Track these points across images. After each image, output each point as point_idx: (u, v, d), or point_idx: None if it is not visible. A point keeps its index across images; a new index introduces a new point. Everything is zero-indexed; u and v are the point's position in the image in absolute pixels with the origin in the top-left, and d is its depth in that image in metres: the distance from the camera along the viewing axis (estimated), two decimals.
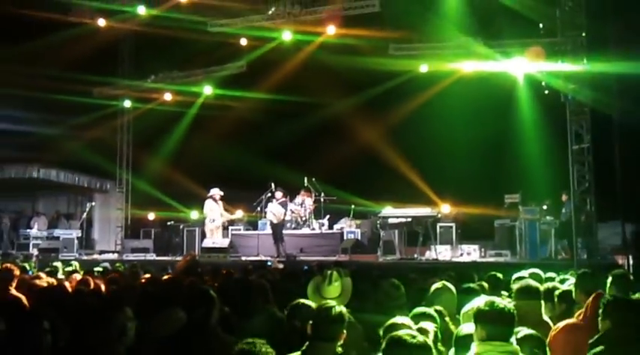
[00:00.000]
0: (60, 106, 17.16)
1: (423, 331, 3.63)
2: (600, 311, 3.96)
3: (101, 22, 17.14)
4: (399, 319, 3.99)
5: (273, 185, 16.63)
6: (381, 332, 3.73)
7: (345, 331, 3.69)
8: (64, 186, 20.56)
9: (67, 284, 6.58)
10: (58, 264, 9.32)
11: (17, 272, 6.76)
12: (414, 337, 2.99)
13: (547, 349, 3.83)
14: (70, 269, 8.78)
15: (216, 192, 15.91)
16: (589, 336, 3.87)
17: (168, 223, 18.38)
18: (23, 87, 16.22)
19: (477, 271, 8.09)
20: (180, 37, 16.52)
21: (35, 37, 15.65)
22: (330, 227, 17.00)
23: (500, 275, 6.84)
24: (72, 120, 18.05)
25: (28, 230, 17.86)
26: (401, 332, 3.08)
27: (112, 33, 17.71)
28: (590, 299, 4.42)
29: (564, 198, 14.24)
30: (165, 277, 7.49)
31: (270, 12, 16.19)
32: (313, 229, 16.84)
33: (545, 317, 4.68)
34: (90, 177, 20.57)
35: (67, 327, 3.80)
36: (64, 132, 18.18)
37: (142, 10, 16.66)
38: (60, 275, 8.05)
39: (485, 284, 6.22)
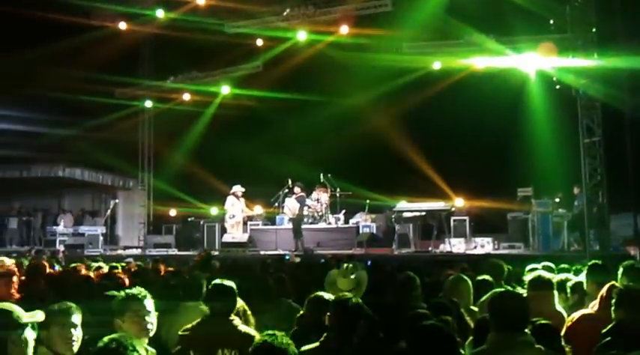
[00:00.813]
0: (83, 107, 17.58)
1: (445, 322, 3.67)
2: (613, 301, 3.95)
3: (122, 26, 17.46)
4: (420, 310, 4.04)
5: (290, 181, 16.78)
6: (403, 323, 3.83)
7: (361, 322, 3.77)
8: (89, 184, 20.97)
9: (93, 278, 6.68)
10: (83, 260, 9.57)
11: (46, 267, 7.20)
12: (439, 328, 3.06)
13: (561, 339, 3.91)
14: (96, 265, 8.96)
15: (238, 189, 16.11)
16: (604, 326, 3.83)
17: (189, 219, 18.63)
18: (48, 88, 16.62)
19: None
20: (197, 39, 16.82)
21: (59, 40, 15.86)
22: (346, 221, 17.03)
23: (511, 267, 6.80)
24: (95, 120, 18.37)
25: (55, 227, 18.20)
26: (426, 323, 3.14)
27: (132, 36, 17.94)
28: (605, 289, 4.37)
29: (576, 190, 14.18)
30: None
31: (285, 13, 16.39)
32: (329, 224, 16.89)
33: (559, 308, 4.69)
34: (113, 176, 20.98)
35: (94, 320, 3.81)
36: (87, 132, 18.49)
37: (160, 13, 16.93)
38: (84, 271, 8.16)
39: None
